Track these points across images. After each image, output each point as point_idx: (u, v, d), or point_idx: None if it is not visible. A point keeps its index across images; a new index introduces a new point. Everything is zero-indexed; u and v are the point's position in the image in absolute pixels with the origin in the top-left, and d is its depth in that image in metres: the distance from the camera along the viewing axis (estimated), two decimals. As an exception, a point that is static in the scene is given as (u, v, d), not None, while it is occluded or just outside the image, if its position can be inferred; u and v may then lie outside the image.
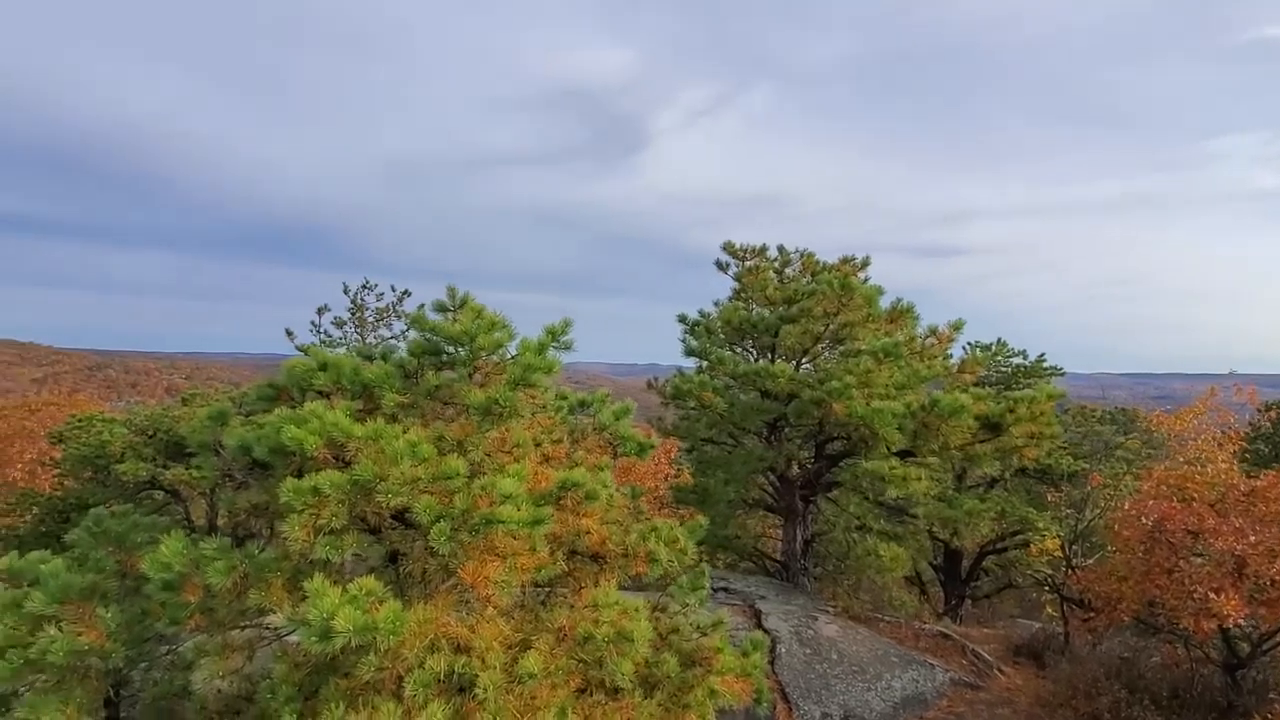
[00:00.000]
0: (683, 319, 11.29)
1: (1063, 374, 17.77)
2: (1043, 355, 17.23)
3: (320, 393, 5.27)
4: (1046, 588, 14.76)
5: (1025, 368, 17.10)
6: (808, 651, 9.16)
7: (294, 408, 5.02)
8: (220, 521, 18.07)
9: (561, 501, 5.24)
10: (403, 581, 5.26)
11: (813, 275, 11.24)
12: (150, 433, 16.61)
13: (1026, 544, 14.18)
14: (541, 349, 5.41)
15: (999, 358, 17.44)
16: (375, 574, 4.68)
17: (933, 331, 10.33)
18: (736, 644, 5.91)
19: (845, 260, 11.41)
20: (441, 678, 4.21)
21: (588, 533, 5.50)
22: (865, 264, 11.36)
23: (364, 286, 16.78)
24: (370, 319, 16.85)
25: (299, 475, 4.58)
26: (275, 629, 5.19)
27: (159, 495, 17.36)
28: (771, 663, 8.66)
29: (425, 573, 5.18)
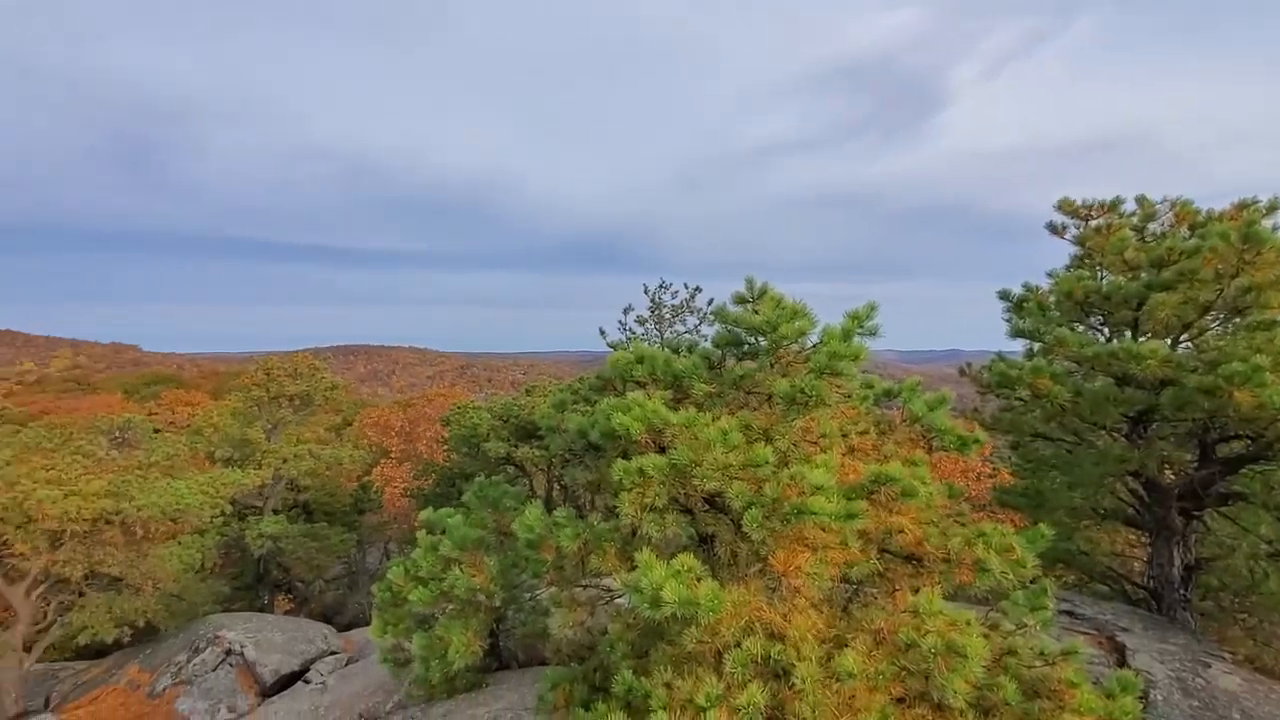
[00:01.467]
0: (1005, 295, 9.77)
1: None
2: None
3: (638, 383, 5.82)
4: None
5: None
6: (1194, 704, 7.24)
7: (619, 397, 5.63)
8: (554, 493, 21.39)
9: (874, 496, 4.96)
10: (713, 562, 5.53)
11: (1191, 229, 8.78)
12: (505, 418, 20.36)
13: None
14: (846, 335, 5.17)
15: None
16: (686, 553, 4.98)
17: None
18: (1094, 681, 4.93)
19: (1242, 205, 8.65)
20: (757, 660, 4.30)
21: (901, 531, 5.11)
22: (1273, 208, 8.48)
23: (660, 286, 18.16)
24: (667, 316, 18.19)
25: (625, 457, 5.12)
26: (610, 591, 5.89)
27: (511, 469, 21.22)
28: (1143, 711, 7.03)
29: (735, 556, 5.36)
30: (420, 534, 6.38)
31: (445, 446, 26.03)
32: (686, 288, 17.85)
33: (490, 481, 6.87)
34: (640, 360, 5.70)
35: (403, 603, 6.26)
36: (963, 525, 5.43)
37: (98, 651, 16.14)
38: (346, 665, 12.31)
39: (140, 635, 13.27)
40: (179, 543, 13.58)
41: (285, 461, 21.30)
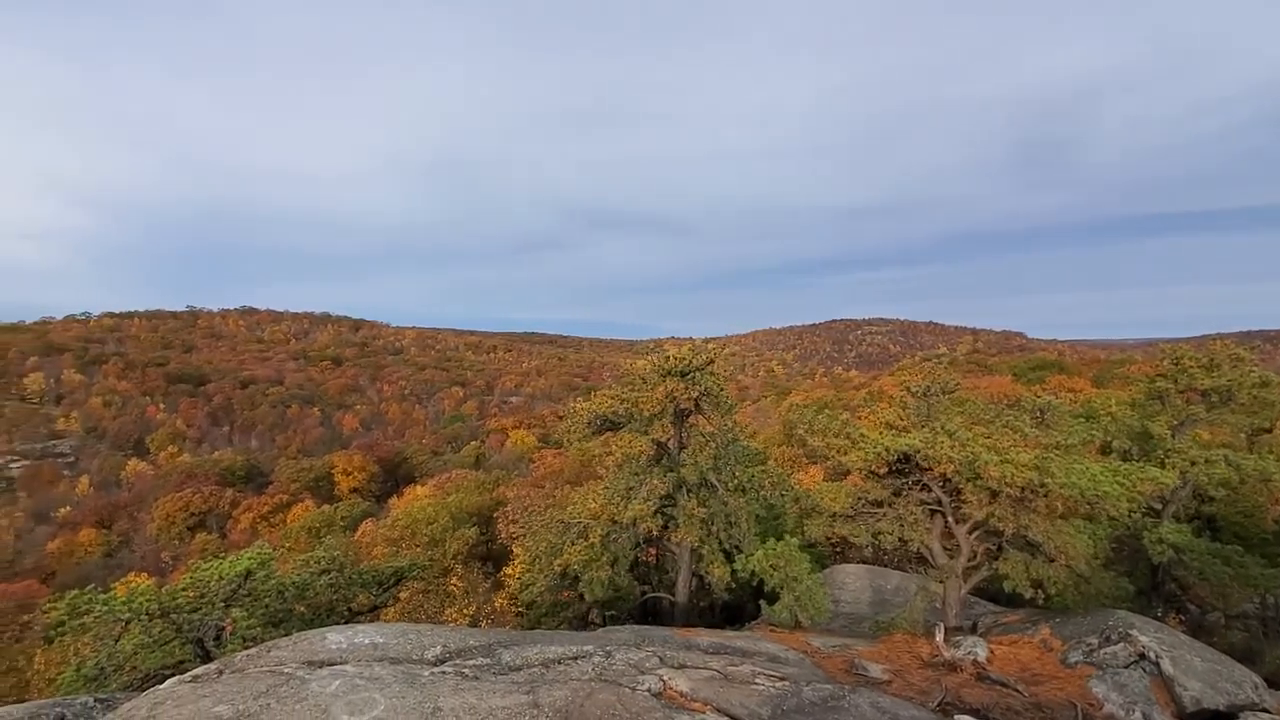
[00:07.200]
0: None
1: None
2: None
3: None
4: None
5: None
6: None
7: None
8: None
9: None
10: None
11: None
12: None
13: None
14: None
15: None
16: None
17: None
18: None
19: None
20: None
21: None
22: None
23: None
24: None
25: None
26: None
27: None
28: None
29: None
30: None
31: None
32: None
33: None
34: None
35: None
36: None
37: (1005, 600, 18.51)
38: (1301, 741, 9.65)
39: (1047, 602, 14.35)
40: (1074, 526, 13.89)
41: (1194, 465, 18.55)
